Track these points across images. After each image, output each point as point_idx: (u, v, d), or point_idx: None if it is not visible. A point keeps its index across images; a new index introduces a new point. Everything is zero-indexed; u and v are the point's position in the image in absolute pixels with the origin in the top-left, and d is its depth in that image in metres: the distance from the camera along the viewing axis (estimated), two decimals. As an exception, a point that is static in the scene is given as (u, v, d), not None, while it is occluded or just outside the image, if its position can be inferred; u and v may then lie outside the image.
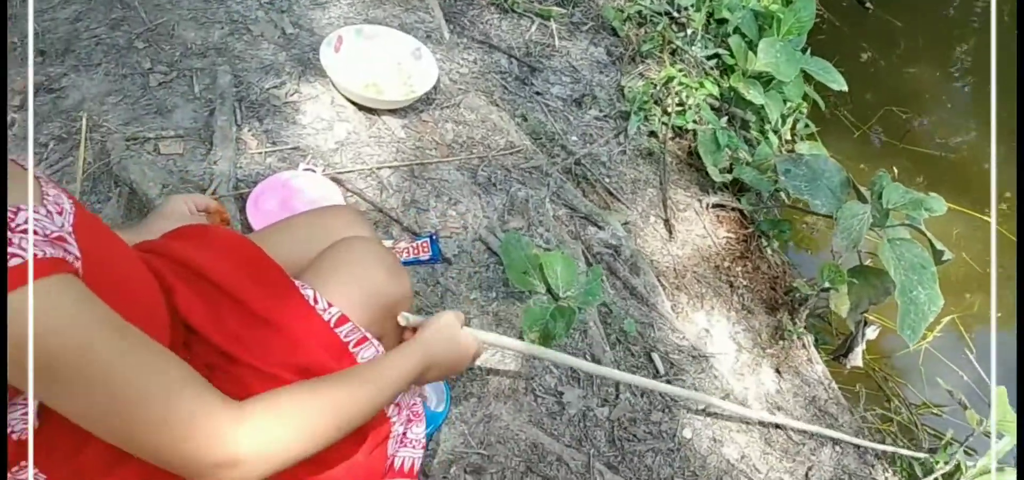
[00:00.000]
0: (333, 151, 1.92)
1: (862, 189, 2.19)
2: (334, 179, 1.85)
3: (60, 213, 0.71)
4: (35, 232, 0.64)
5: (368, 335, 1.04)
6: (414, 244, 1.78)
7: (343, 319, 1.03)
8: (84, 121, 1.80)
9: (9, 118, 1.79)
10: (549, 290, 1.68)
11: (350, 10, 2.26)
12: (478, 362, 1.62)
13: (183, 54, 2.02)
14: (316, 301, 1.02)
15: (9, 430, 0.71)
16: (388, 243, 1.77)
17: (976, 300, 2.61)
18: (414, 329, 1.11)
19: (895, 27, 3.67)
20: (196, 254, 1.01)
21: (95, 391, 0.65)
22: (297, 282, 1.05)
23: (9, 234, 0.62)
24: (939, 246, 2.10)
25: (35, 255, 0.61)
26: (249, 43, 2.09)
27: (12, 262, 0.61)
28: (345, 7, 2.27)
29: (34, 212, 0.66)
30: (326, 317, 1.02)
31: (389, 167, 1.93)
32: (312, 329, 1.00)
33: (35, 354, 0.61)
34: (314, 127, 1.96)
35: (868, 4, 3.75)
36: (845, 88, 2.62)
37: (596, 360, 1.72)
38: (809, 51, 2.79)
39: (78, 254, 0.68)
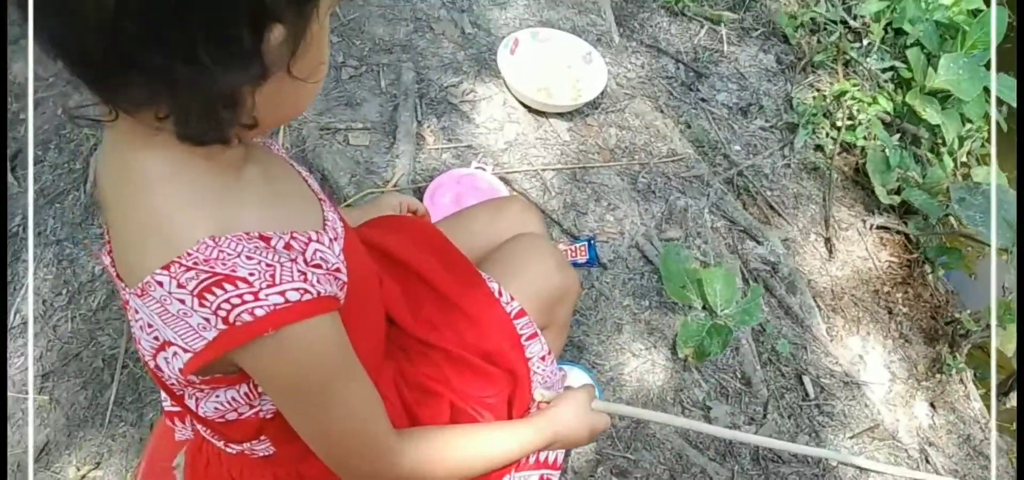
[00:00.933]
0: (502, 151, 2.02)
1: (1045, 224, 2.06)
2: (502, 178, 1.95)
3: (335, 239, 0.82)
4: (318, 265, 0.74)
5: (538, 331, 1.14)
6: (573, 246, 1.85)
7: (521, 313, 1.13)
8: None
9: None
10: (706, 306, 1.71)
11: (526, 11, 2.34)
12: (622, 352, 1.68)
13: (372, 49, 2.17)
14: (500, 294, 1.13)
15: (256, 410, 0.84)
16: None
17: None
18: (549, 402, 1.14)
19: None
20: (396, 242, 1.13)
21: (317, 414, 0.77)
22: (484, 275, 1.15)
23: (305, 266, 0.72)
24: None
25: (319, 292, 0.71)
26: (431, 41, 2.22)
27: (305, 297, 0.69)
28: (521, 8, 2.35)
29: (318, 240, 0.77)
30: (508, 309, 1.12)
31: (553, 169, 2.00)
32: (496, 319, 1.11)
33: (287, 377, 0.73)
34: (487, 126, 2.06)
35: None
36: (1035, 108, 2.44)
37: (747, 381, 1.74)
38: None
39: (345, 280, 0.79)
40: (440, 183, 1.89)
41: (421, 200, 1.85)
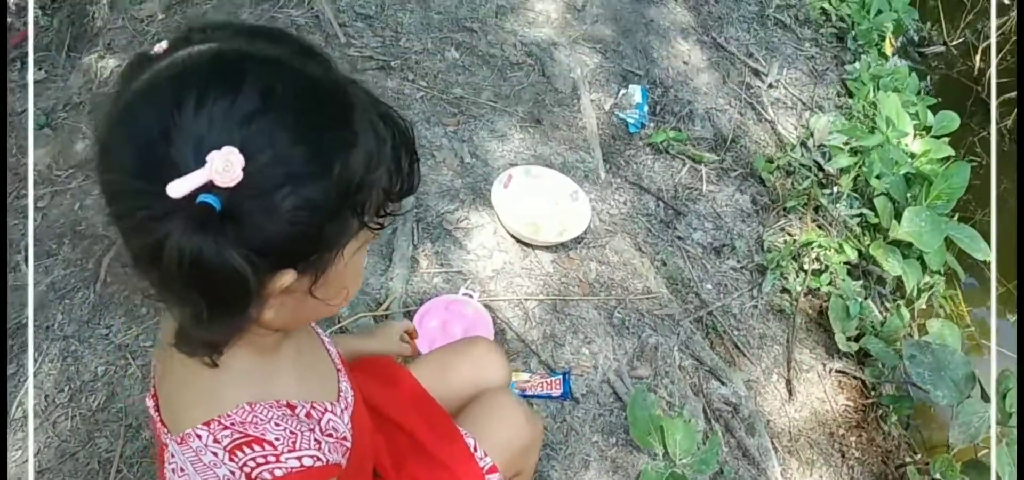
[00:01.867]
0: (489, 278, 2.16)
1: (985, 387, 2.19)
2: (487, 305, 2.08)
3: (346, 409, 0.96)
4: (330, 434, 0.88)
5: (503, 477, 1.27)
6: (548, 379, 1.98)
7: (493, 468, 1.26)
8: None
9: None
10: (667, 453, 1.83)
11: (521, 144, 2.51)
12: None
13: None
14: (475, 449, 1.26)
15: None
16: (525, 376, 1.97)
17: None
18: None
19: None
20: (389, 399, 1.27)
21: None
22: (461, 430, 1.28)
23: (320, 435, 0.85)
24: (1064, 458, 2.07)
25: (328, 460, 0.83)
26: (432, 167, 2.37)
27: (316, 464, 0.82)
28: (517, 142, 2.51)
29: (332, 411, 0.91)
30: (482, 464, 1.26)
31: (535, 299, 2.14)
32: (470, 473, 1.24)
33: None
34: (477, 253, 2.20)
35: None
36: (990, 257, 2.60)
37: (700, 522, 1.85)
38: (956, 215, 2.78)
39: (350, 447, 0.92)
40: (428, 309, 2.02)
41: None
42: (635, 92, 2.76)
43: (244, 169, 0.65)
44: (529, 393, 1.94)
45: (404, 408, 1.28)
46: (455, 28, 2.89)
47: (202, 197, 0.64)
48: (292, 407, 0.84)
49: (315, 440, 0.84)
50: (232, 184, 0.65)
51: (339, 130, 0.72)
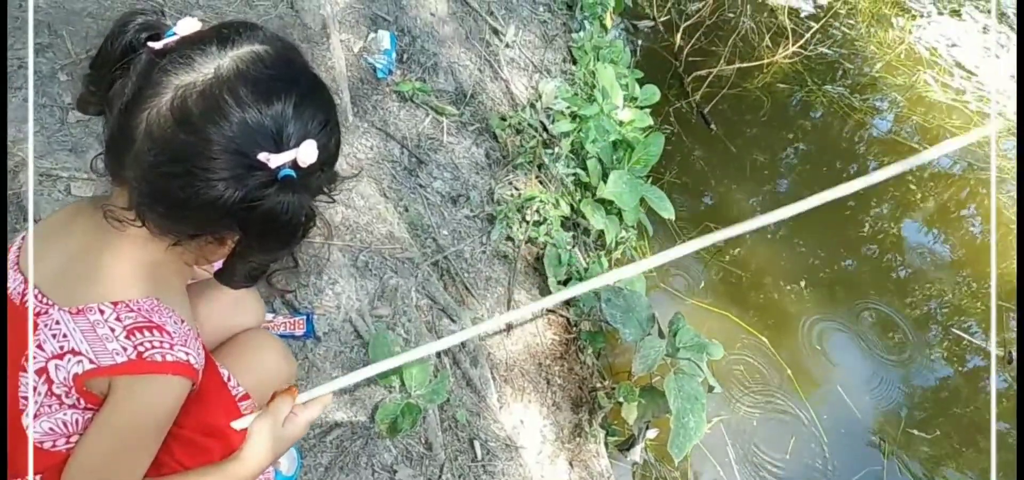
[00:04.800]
0: (235, 217, 2.14)
1: (663, 326, 2.63)
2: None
3: (200, 337, 1.08)
4: (200, 351, 1.05)
5: (256, 406, 1.35)
6: (291, 319, 2.04)
7: (246, 396, 1.33)
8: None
9: None
10: (404, 386, 1.99)
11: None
12: (325, 419, 1.92)
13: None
14: (229, 378, 1.32)
15: (71, 446, 1.06)
16: (269, 316, 2.02)
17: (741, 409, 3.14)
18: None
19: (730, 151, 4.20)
20: None
21: (105, 451, 1.03)
22: (216, 362, 1.33)
23: (184, 345, 1.01)
24: (712, 382, 2.57)
25: (199, 366, 1.03)
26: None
27: (194, 363, 1.02)
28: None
29: (198, 339, 1.06)
30: (234, 393, 1.32)
31: (282, 240, 2.16)
32: (222, 400, 1.30)
33: (137, 412, 0.99)
34: (221, 191, 2.16)
35: (712, 126, 4.26)
36: (672, 216, 3.07)
37: (429, 446, 2.05)
38: (650, 177, 3.23)
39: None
40: None
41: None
42: (384, 38, 2.82)
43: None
44: (273, 333, 1.98)
45: None
46: (200, -53, 2.72)
47: (284, 171, 0.91)
48: (183, 321, 1.02)
49: (198, 348, 1.03)
50: (308, 164, 0.92)
51: (335, 116, 1.00)
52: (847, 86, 4.65)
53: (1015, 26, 5.10)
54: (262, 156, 0.90)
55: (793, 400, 3.02)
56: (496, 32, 3.31)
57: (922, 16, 5.24)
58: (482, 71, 3.09)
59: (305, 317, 2.05)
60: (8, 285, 1.03)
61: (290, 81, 0.94)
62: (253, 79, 0.91)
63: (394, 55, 2.84)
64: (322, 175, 0.99)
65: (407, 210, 2.49)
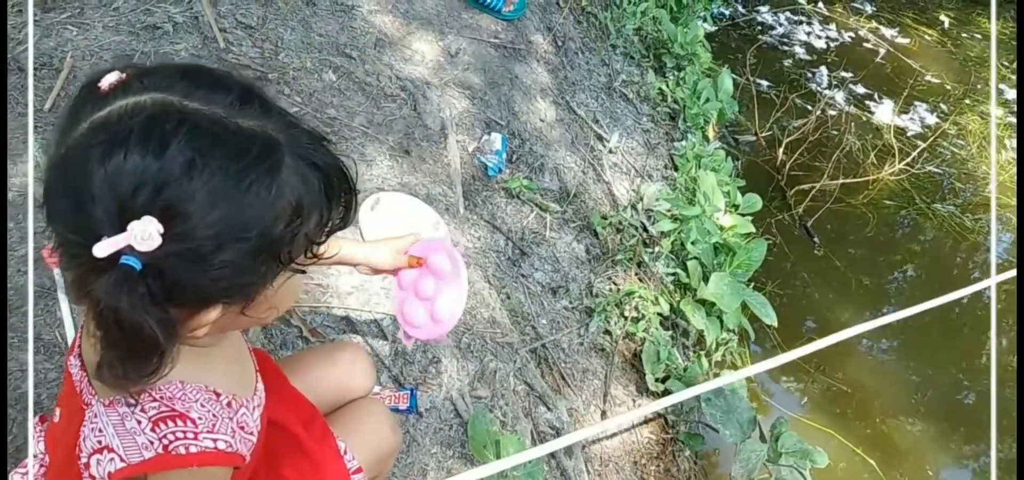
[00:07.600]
0: (348, 293, 2.23)
1: (765, 430, 2.52)
2: (347, 317, 2.15)
3: (258, 406, 1.02)
4: (242, 427, 0.93)
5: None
6: (397, 393, 2.07)
7: (359, 470, 1.35)
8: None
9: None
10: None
11: (389, 172, 2.60)
12: None
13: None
14: (345, 452, 1.35)
15: None
16: (376, 388, 2.06)
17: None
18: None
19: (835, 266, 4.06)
20: (274, 402, 1.31)
21: None
22: (334, 432, 1.36)
23: (236, 425, 0.91)
24: (815, 493, 2.43)
25: (237, 449, 0.90)
26: (302, 182, 2.41)
27: (228, 448, 0.88)
28: (385, 169, 2.60)
29: (246, 406, 0.96)
30: (349, 466, 1.34)
31: (390, 317, 2.23)
32: (338, 473, 1.32)
33: None
34: (338, 268, 2.26)
35: (816, 239, 4.15)
36: (775, 323, 2.98)
37: (520, 529, 2.01)
38: (752, 283, 3.16)
39: (255, 441, 0.97)
40: (431, 245, 1.72)
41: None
42: (496, 139, 2.93)
43: (163, 235, 0.70)
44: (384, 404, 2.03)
45: (283, 406, 1.34)
46: (334, 52, 2.94)
47: (124, 259, 0.70)
48: (218, 394, 0.91)
49: (231, 429, 0.90)
50: (150, 250, 0.70)
51: (264, 191, 0.75)
52: (958, 205, 4.46)
53: None
54: None
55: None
56: (600, 138, 3.39)
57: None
58: (585, 173, 3.15)
59: (409, 392, 2.08)
60: (75, 372, 0.95)
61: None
62: None
63: (504, 155, 2.94)
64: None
65: (509, 297, 2.53)
